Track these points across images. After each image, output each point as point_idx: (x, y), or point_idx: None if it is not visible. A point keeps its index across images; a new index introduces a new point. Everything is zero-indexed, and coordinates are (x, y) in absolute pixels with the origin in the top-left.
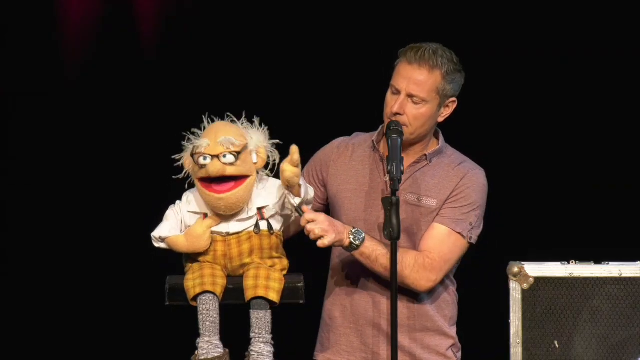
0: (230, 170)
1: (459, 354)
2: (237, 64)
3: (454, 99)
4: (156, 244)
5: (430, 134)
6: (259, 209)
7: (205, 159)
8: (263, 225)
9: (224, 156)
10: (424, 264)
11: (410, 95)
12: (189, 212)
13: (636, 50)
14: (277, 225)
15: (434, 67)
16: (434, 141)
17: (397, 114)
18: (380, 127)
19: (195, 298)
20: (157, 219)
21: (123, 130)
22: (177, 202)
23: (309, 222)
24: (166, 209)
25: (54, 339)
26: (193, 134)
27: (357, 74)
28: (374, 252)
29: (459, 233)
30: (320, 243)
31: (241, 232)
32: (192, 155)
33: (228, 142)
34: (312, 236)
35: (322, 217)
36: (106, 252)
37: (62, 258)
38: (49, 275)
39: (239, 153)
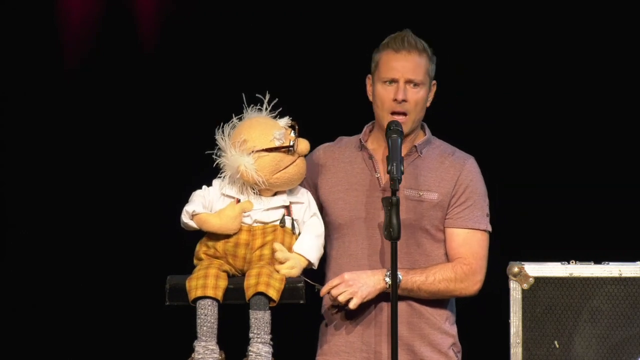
0: None
1: (460, 355)
2: (237, 64)
3: (434, 81)
4: (185, 219)
5: (419, 123)
6: (290, 203)
7: (293, 145)
8: (288, 222)
9: (295, 135)
10: (464, 272)
11: (408, 81)
12: (222, 194)
13: (636, 50)
14: (298, 228)
15: (422, 51)
16: (421, 132)
17: (403, 100)
18: (366, 126)
19: (195, 300)
20: (157, 218)
21: (123, 130)
22: (204, 186)
23: (329, 291)
24: (166, 207)
25: (54, 339)
26: (218, 156)
27: (356, 75)
28: (414, 283)
29: (483, 230)
30: (352, 305)
31: (268, 223)
32: (272, 149)
33: (288, 121)
34: (341, 301)
35: (342, 278)
36: (106, 252)
37: (62, 258)
38: (49, 275)
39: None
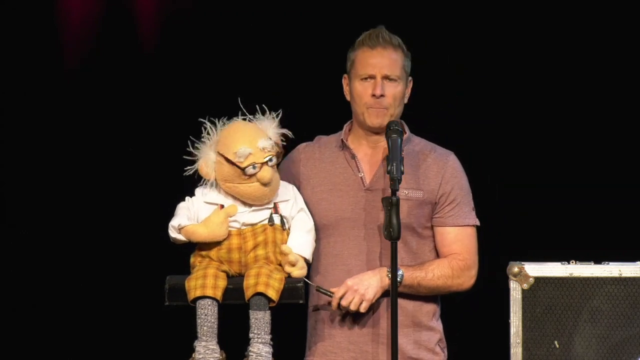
0: (275, 169)
1: (446, 351)
2: (237, 64)
3: (410, 78)
4: (173, 234)
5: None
6: (275, 204)
7: (254, 167)
8: (277, 219)
9: (270, 160)
10: (460, 267)
11: (385, 77)
12: (205, 202)
13: (636, 50)
14: (288, 224)
15: (396, 47)
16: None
17: (381, 95)
18: (346, 125)
19: (194, 300)
20: (157, 218)
21: (123, 130)
22: (187, 198)
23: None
24: (166, 207)
25: (54, 339)
26: (199, 141)
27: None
28: (415, 279)
29: (472, 225)
30: (362, 309)
31: (256, 224)
32: (230, 162)
33: (269, 145)
34: (353, 310)
35: (346, 286)
36: (106, 252)
37: (62, 258)
38: (49, 275)
39: (277, 155)
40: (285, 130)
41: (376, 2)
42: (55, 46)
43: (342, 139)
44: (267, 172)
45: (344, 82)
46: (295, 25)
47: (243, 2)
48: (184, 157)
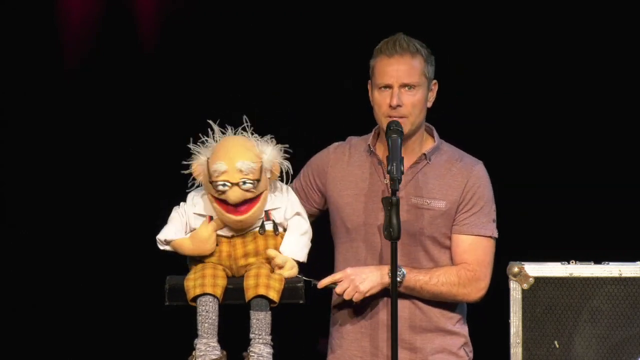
0: (249, 195)
1: (472, 354)
2: (238, 64)
3: (435, 81)
4: (161, 247)
5: (423, 125)
6: (266, 211)
7: (224, 185)
8: (269, 226)
9: (244, 183)
10: (467, 278)
11: (403, 85)
12: (194, 214)
13: (636, 50)
14: (281, 228)
15: (415, 53)
16: (430, 138)
17: (398, 106)
18: (374, 129)
19: (194, 299)
20: (157, 218)
21: (123, 130)
22: (182, 203)
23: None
24: (166, 208)
25: (54, 339)
26: (202, 142)
27: (355, 77)
28: (417, 282)
29: (489, 236)
30: (355, 299)
31: (246, 233)
32: (209, 172)
33: (248, 169)
34: (347, 298)
35: (344, 273)
36: (106, 252)
37: (62, 258)
38: (49, 275)
39: (257, 180)
40: (283, 162)
41: (378, 3)
42: (55, 46)
43: (369, 144)
44: (234, 194)
45: (369, 88)
46: (295, 24)
47: (243, 2)
48: (191, 150)
